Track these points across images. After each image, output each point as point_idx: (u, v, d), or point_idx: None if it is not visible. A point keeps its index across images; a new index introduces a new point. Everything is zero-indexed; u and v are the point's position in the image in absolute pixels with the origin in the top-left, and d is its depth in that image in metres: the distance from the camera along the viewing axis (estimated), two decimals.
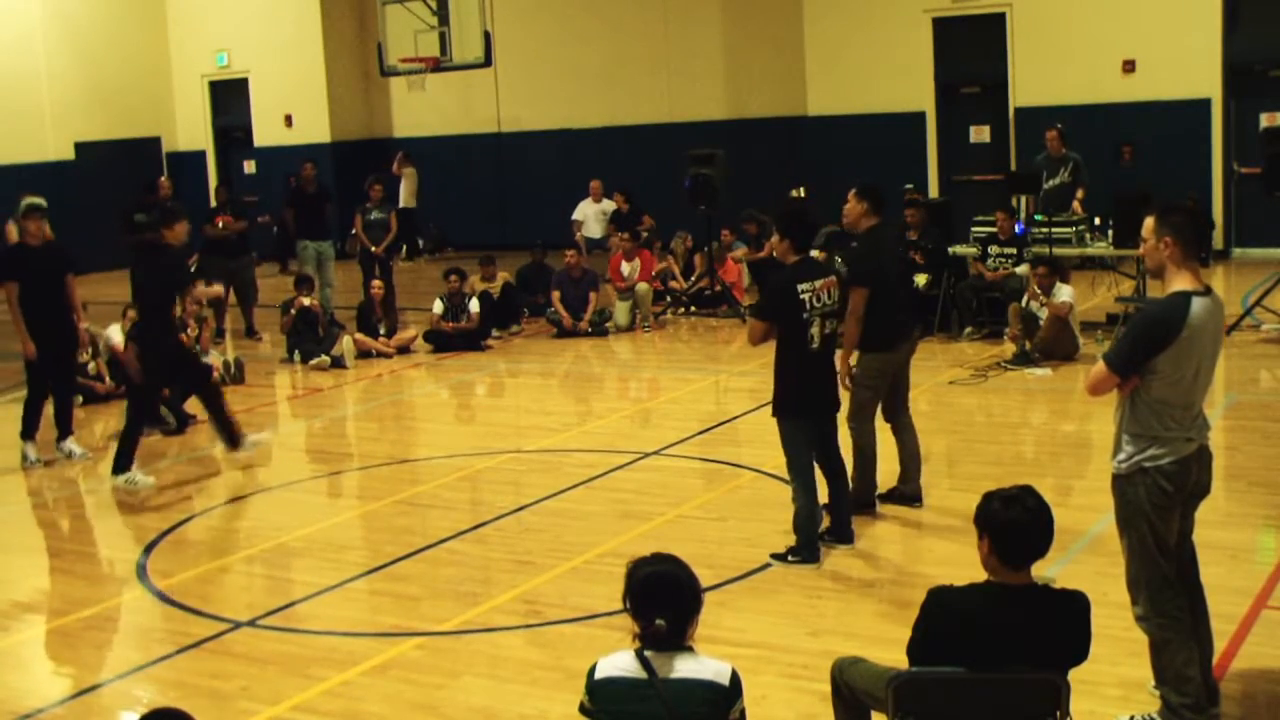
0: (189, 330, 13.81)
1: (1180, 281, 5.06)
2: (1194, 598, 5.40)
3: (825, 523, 7.69)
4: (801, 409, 7.42)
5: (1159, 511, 5.13)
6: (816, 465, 7.63)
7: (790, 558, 7.43)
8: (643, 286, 15.62)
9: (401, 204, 22.96)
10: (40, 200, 10.92)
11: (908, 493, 8.38)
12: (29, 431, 10.68)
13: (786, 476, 9.00)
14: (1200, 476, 5.23)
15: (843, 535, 7.67)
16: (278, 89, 24.19)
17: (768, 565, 7.44)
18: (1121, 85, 17.98)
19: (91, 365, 12.94)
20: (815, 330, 7.30)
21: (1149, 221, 5.15)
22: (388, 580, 7.68)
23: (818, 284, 7.32)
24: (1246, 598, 6.55)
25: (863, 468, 8.18)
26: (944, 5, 18.95)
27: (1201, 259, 5.26)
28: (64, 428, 10.87)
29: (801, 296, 7.25)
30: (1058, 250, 13.32)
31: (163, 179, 18.15)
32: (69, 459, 10.75)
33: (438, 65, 18.29)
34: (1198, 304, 5.00)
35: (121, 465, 9.73)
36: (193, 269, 17.15)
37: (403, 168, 22.97)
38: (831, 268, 7.59)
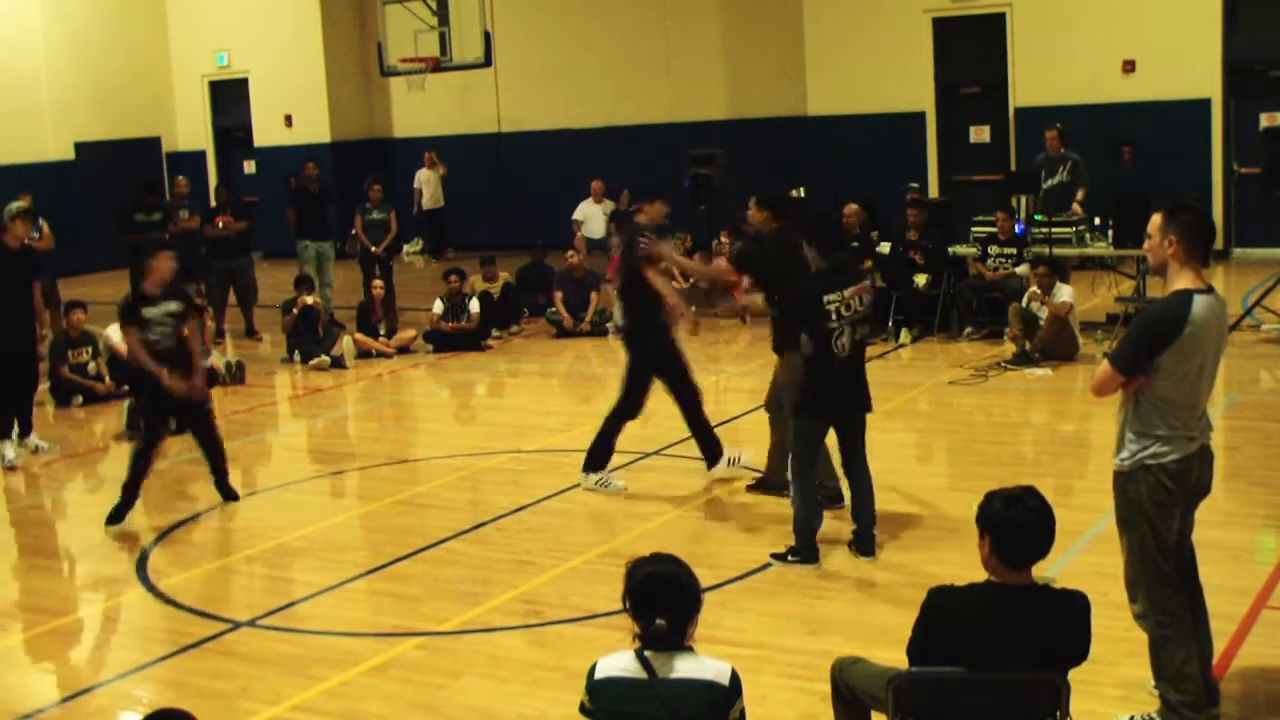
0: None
1: (1182, 280, 5.08)
2: (1193, 597, 5.40)
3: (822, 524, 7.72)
4: (818, 408, 7.41)
5: (1159, 510, 5.14)
6: (842, 473, 7.69)
7: (790, 558, 7.43)
8: None
9: (428, 205, 22.93)
10: (27, 204, 11.07)
11: (779, 481, 8.45)
12: (3, 431, 10.75)
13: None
14: (1202, 475, 5.24)
15: (864, 547, 7.56)
16: (278, 89, 24.19)
17: (768, 565, 7.45)
18: (1121, 85, 17.98)
19: (91, 365, 12.95)
20: (845, 339, 7.26)
21: (1156, 218, 5.15)
22: (388, 580, 7.68)
23: (847, 292, 7.26)
24: (1246, 598, 6.55)
25: (781, 459, 8.42)
26: (944, 5, 18.95)
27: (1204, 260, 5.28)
28: (26, 426, 11.00)
29: (828, 307, 7.21)
30: (1058, 250, 13.32)
31: (180, 177, 18.13)
32: (35, 453, 10.91)
33: (438, 65, 18.30)
34: (1200, 301, 5.01)
35: None
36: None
37: (436, 167, 22.92)
38: (863, 274, 7.60)
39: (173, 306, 8.95)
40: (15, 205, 10.88)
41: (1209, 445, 5.26)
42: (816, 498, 7.60)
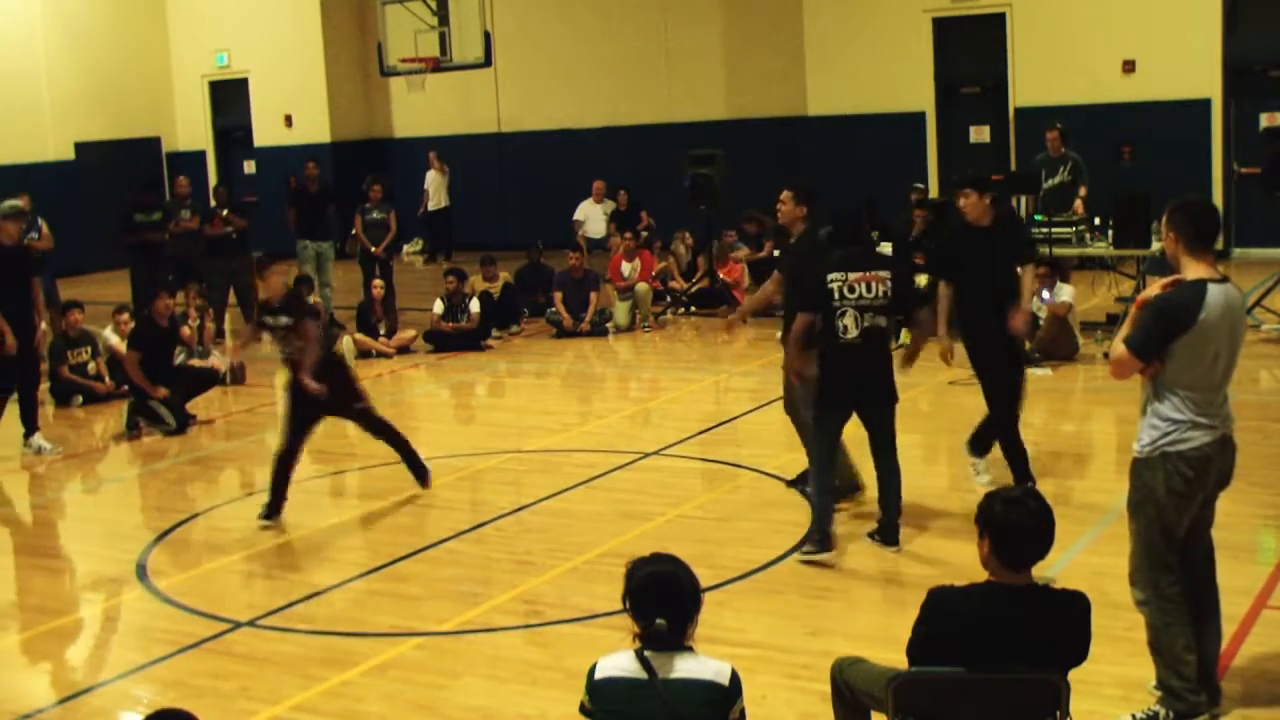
0: (190, 322, 13.87)
1: (1195, 271, 5.18)
2: (1207, 594, 5.43)
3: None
4: (827, 399, 7.39)
5: (1176, 498, 5.17)
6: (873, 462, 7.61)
7: (805, 548, 7.40)
8: (643, 286, 15.62)
9: (433, 206, 22.90)
10: (20, 204, 11.05)
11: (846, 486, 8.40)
12: (32, 426, 10.79)
13: (787, 477, 9.07)
14: (1223, 466, 5.29)
15: (887, 537, 7.57)
16: (278, 89, 24.19)
17: (768, 565, 7.44)
18: (1121, 85, 17.98)
19: (91, 365, 12.94)
20: (848, 321, 7.24)
21: (1164, 217, 5.33)
22: (388, 580, 7.68)
23: (852, 276, 7.25)
24: (1246, 598, 6.55)
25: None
26: (944, 5, 18.95)
27: (1216, 252, 5.37)
28: (31, 424, 10.96)
29: (829, 286, 7.22)
30: (1057, 250, 13.31)
31: (182, 177, 18.11)
32: (38, 454, 10.83)
33: (438, 65, 18.29)
34: (1214, 290, 5.10)
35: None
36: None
37: (440, 166, 22.90)
38: (882, 261, 7.62)
39: (283, 320, 8.82)
40: (8, 204, 10.88)
41: (1231, 435, 5.31)
42: (835, 486, 7.52)
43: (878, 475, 7.64)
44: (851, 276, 7.27)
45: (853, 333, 7.27)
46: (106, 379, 12.90)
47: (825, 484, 7.49)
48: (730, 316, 8.42)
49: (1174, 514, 5.19)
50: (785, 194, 8.37)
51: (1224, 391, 5.27)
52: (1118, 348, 5.22)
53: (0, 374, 10.70)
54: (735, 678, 3.98)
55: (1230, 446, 5.32)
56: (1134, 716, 5.36)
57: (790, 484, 8.78)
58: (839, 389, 7.41)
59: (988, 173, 8.45)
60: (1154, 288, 5.24)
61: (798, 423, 8.39)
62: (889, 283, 7.33)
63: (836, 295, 7.24)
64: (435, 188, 22.81)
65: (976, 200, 8.04)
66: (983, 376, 8.37)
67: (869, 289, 7.28)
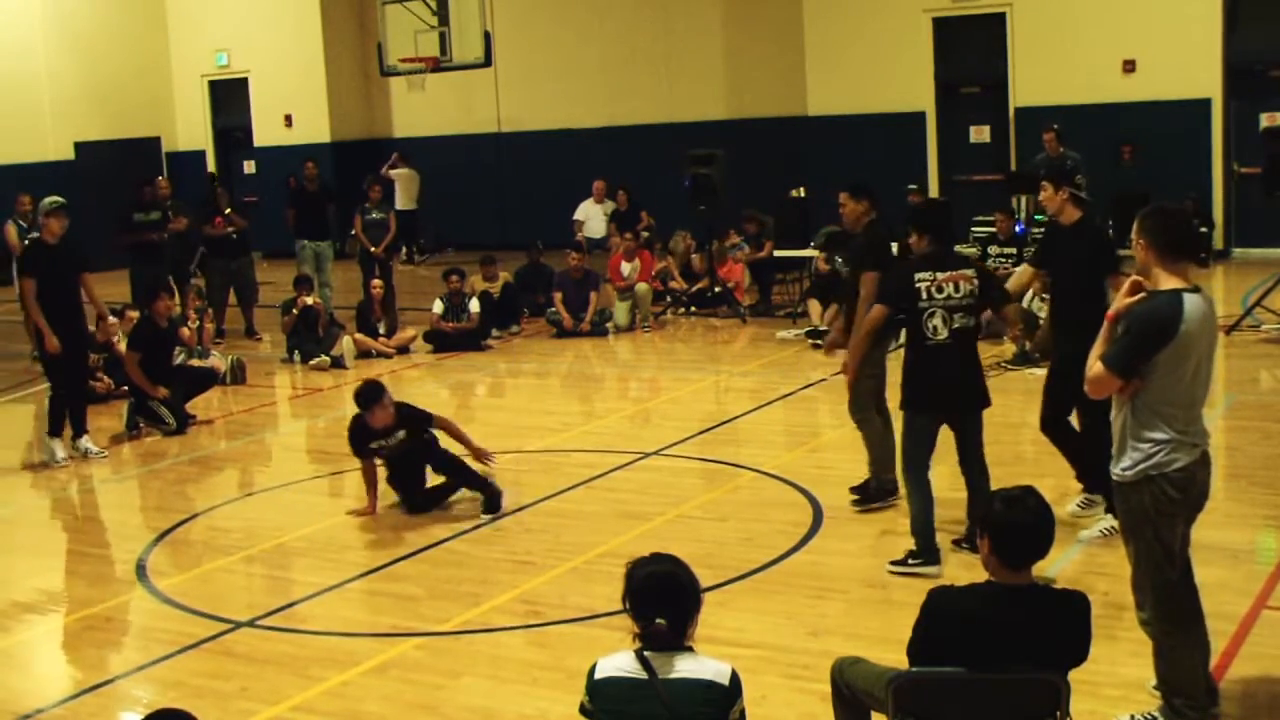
0: (190, 323, 13.87)
1: (1169, 281, 5.03)
2: (1191, 601, 5.40)
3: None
4: (917, 402, 7.21)
5: (1165, 518, 5.09)
6: (960, 469, 7.40)
7: (910, 562, 7.15)
8: (642, 286, 15.61)
9: (399, 206, 22.89)
10: (61, 199, 10.98)
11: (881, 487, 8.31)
12: (57, 429, 10.68)
13: (787, 476, 9.06)
14: (1204, 483, 5.21)
15: (975, 545, 7.45)
16: (278, 89, 24.20)
17: (768, 565, 7.44)
18: (1121, 85, 17.98)
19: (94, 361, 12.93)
20: (937, 322, 7.08)
21: (1135, 223, 5.16)
22: (388, 580, 7.68)
23: (940, 275, 7.11)
24: (1246, 598, 6.55)
25: (877, 456, 8.24)
26: (944, 5, 18.95)
27: (1201, 259, 5.25)
28: (79, 426, 10.89)
29: (917, 285, 7.08)
30: None
31: (160, 178, 18.08)
32: (85, 457, 10.77)
33: (438, 65, 18.30)
34: (1190, 300, 4.98)
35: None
36: (194, 268, 17.21)
37: (395, 169, 22.84)
38: (966, 260, 7.47)
39: (400, 435, 8.83)
40: (48, 201, 10.83)
41: (1208, 452, 5.23)
42: (931, 494, 7.25)
43: (969, 483, 7.41)
44: (940, 276, 7.10)
45: (943, 333, 7.10)
46: (106, 379, 12.89)
47: (921, 492, 7.18)
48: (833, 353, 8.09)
49: (1168, 531, 5.12)
50: (842, 196, 8.39)
51: (1202, 407, 5.17)
52: (1095, 366, 5.05)
53: (59, 375, 10.64)
54: (735, 678, 3.98)
55: (1208, 463, 5.22)
56: (1134, 717, 5.36)
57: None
58: (928, 392, 7.21)
59: (1065, 165, 8.08)
60: (1122, 300, 5.05)
61: (864, 426, 8.29)
62: (975, 281, 7.20)
63: (925, 295, 7.07)
64: (399, 189, 22.77)
65: (1052, 194, 7.65)
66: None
67: (956, 289, 7.12)
